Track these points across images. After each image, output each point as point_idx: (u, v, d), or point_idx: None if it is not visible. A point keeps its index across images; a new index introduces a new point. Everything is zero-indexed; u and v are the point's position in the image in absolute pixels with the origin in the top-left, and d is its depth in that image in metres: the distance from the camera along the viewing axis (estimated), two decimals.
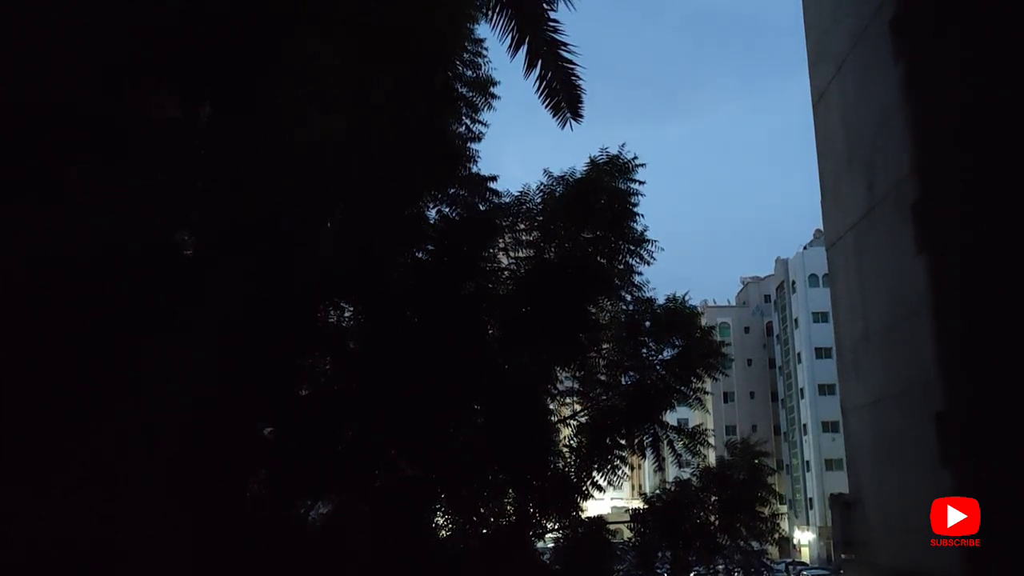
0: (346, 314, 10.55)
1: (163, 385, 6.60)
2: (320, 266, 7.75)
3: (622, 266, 12.04)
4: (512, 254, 12.13)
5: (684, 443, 12.95)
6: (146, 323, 6.56)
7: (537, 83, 11.05)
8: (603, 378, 13.08)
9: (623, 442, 12.72)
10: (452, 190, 11.07)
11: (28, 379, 6.15)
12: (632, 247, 11.93)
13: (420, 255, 10.77)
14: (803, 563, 68.18)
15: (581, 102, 11.24)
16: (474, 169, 11.71)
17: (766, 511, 13.08)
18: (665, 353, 12.94)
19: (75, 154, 6.32)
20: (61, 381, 6.28)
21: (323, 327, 9.92)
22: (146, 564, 6.50)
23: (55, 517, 6.15)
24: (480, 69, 11.45)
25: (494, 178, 11.87)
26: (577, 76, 10.90)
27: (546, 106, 11.34)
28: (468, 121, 11.46)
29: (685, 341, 12.79)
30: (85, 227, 6.05)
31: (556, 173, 12.15)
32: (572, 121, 11.60)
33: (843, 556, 18.20)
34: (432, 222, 11.04)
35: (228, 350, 6.93)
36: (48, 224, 5.86)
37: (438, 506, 10.97)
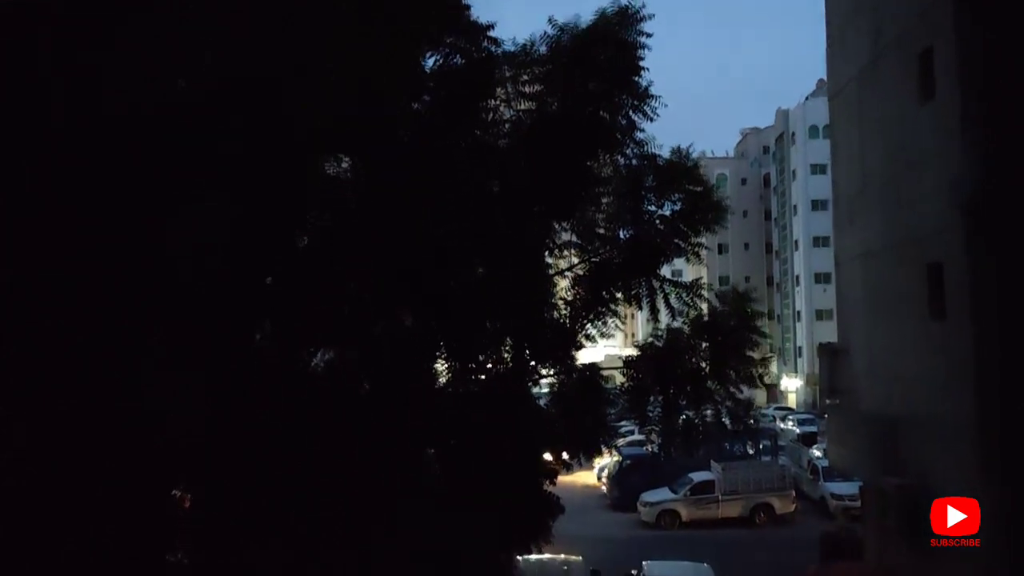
0: (343, 165, 10.43)
1: (166, 245, 6.67)
2: (318, 115, 7.60)
3: (625, 121, 11.81)
4: (515, 106, 11.83)
5: (679, 295, 13.13)
6: (151, 180, 6.56)
7: None
8: (602, 232, 13.13)
9: (620, 295, 12.92)
10: (450, 39, 10.60)
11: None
12: (636, 102, 11.66)
13: (417, 106, 10.51)
14: (789, 408, 70.98)
15: None
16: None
17: (756, 354, 13.42)
18: (666, 208, 12.94)
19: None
20: (67, 245, 6.34)
21: (322, 178, 9.82)
22: (162, 412, 6.76)
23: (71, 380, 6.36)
24: None
25: (491, 26, 11.39)
26: None
27: None
28: None
29: (687, 196, 12.74)
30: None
31: (561, 22, 11.68)
32: None
33: (827, 402, 18.88)
34: (429, 71, 10.71)
35: (229, 199, 6.94)
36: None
37: (437, 353, 11.23)
